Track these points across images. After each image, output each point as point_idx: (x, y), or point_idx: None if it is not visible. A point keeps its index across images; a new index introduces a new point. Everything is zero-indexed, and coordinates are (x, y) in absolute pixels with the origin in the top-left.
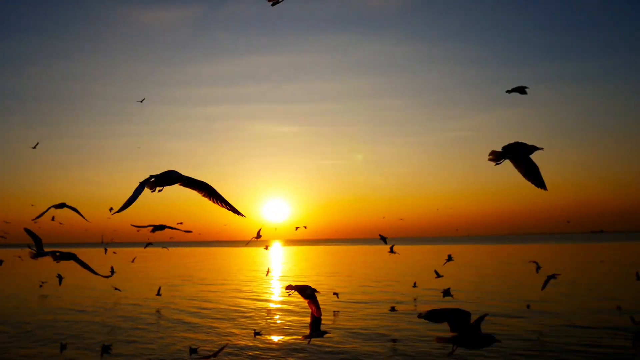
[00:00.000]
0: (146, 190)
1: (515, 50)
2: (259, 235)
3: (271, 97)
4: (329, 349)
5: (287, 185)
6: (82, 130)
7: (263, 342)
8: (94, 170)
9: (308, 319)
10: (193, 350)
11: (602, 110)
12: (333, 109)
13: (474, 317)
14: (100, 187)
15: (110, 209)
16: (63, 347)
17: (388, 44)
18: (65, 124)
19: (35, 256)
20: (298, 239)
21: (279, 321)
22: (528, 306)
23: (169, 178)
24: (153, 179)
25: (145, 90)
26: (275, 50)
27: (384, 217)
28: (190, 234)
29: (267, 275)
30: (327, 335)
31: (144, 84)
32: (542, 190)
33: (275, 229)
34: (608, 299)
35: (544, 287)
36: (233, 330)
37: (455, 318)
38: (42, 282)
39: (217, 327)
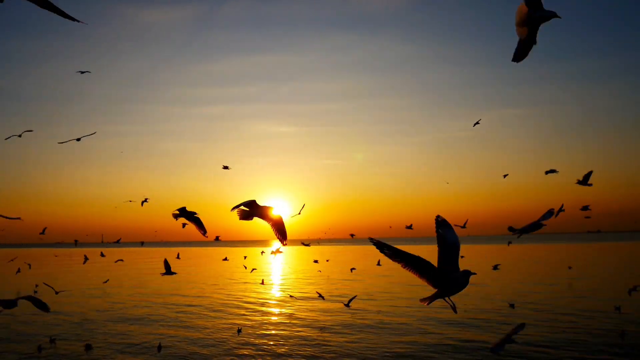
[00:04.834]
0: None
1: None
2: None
3: (271, 97)
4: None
5: (287, 185)
6: (81, 130)
7: (247, 340)
8: (95, 170)
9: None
10: (160, 348)
11: (602, 110)
12: (333, 109)
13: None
14: (98, 187)
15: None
16: (40, 348)
17: (388, 44)
18: (64, 124)
19: None
20: (297, 239)
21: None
22: (512, 305)
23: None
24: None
25: (145, 90)
26: (276, 50)
27: (390, 227)
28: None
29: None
30: None
31: (143, 84)
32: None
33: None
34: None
35: None
36: (217, 326)
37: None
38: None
39: (198, 324)
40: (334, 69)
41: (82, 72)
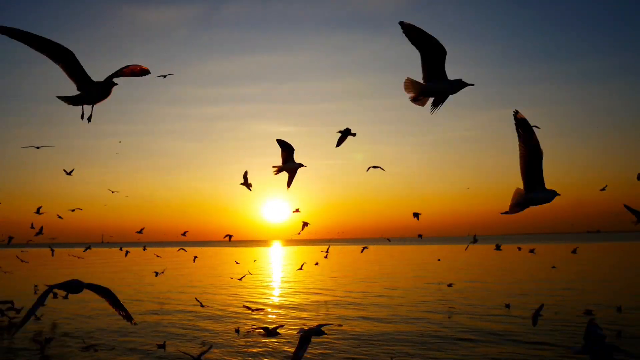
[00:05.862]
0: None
1: (515, 50)
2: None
3: (271, 97)
4: None
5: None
6: (82, 131)
7: (245, 341)
8: (95, 169)
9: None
10: (160, 346)
11: (602, 110)
12: (333, 109)
13: None
14: (98, 186)
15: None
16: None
17: (388, 44)
18: (65, 124)
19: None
20: (298, 239)
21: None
22: (507, 305)
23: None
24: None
25: (146, 90)
26: (275, 50)
27: (338, 233)
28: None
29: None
30: None
31: (143, 83)
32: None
33: None
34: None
35: None
36: (214, 328)
37: None
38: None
39: (199, 325)
40: (334, 69)
41: (165, 76)
